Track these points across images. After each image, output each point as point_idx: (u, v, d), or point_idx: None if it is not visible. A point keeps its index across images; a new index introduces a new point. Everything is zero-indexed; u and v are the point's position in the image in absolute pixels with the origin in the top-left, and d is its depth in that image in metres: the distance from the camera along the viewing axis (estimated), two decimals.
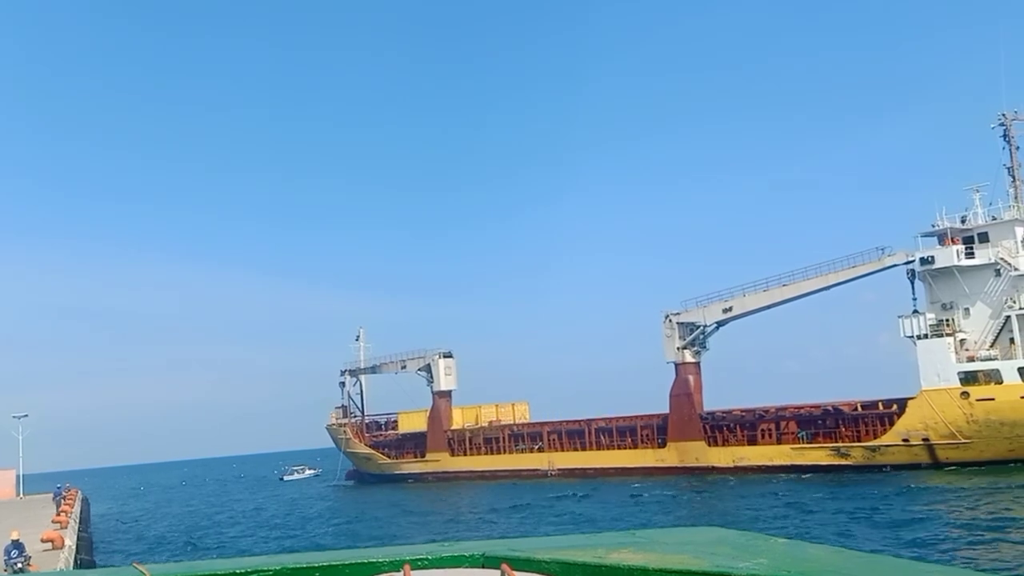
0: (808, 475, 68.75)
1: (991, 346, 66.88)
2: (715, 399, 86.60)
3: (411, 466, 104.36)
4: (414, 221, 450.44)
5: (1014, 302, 66.26)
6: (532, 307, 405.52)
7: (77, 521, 50.04)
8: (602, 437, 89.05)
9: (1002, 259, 67.04)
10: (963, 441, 64.52)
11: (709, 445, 79.66)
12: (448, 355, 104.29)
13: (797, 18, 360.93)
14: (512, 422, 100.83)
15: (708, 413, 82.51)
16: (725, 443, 79.39)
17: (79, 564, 35.96)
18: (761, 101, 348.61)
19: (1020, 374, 63.15)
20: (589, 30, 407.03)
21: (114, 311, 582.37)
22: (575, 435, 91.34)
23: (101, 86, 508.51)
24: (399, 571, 4.21)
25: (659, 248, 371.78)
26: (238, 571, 4.35)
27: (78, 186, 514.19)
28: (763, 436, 77.75)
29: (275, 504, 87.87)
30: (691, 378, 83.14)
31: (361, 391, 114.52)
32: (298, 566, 4.40)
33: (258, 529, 61.49)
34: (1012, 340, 65.47)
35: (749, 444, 77.72)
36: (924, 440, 66.39)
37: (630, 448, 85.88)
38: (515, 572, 4.01)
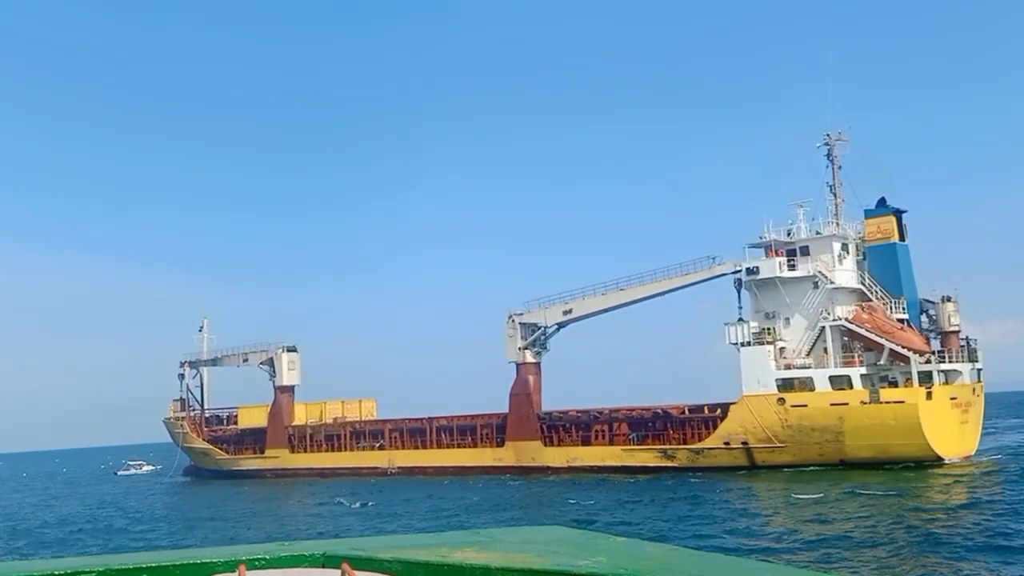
0: (637, 475, 71.46)
1: (807, 355, 70.89)
2: (559, 400, 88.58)
3: (250, 462, 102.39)
4: (261, 202, 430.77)
5: (829, 313, 70.06)
6: (385, 303, 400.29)
7: None
8: (443, 435, 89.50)
9: (820, 272, 70.83)
10: (778, 445, 68.30)
11: (545, 445, 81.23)
12: (292, 349, 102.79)
13: (650, 29, 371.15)
14: (358, 419, 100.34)
15: (546, 413, 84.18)
16: (560, 443, 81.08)
17: None
18: (620, 106, 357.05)
19: (831, 382, 67.34)
20: (447, 24, 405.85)
21: None
22: (417, 433, 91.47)
23: None
24: (234, 571, 4.18)
25: (512, 246, 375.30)
26: (57, 572, 4.19)
27: None
28: (597, 437, 79.80)
29: (104, 500, 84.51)
30: (531, 378, 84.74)
31: (201, 384, 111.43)
32: (124, 567, 4.26)
33: (83, 527, 58.88)
34: (825, 350, 69.33)
35: (583, 445, 79.72)
36: (743, 444, 69.98)
37: (470, 447, 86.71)
38: (356, 572, 4.08)
